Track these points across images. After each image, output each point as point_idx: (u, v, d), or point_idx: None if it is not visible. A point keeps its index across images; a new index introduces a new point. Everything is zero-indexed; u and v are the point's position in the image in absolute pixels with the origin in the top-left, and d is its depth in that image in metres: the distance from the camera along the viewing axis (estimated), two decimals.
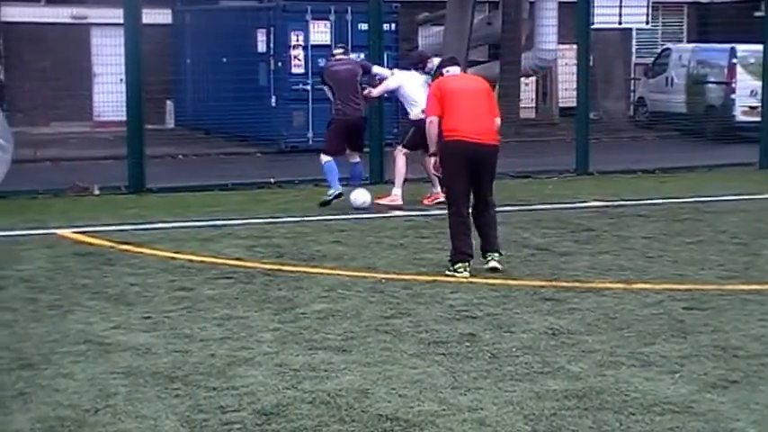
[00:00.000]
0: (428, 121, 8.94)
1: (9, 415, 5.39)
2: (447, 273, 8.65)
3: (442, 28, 24.05)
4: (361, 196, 12.09)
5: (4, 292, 8.12)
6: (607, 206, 12.58)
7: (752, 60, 20.34)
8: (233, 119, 18.99)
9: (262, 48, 20.31)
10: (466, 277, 8.52)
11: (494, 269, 8.73)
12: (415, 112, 12.21)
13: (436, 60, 11.83)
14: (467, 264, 8.66)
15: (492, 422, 5.28)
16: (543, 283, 8.36)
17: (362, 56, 15.09)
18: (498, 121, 9.04)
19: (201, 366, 6.18)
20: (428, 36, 24.89)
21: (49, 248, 9.88)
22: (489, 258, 8.84)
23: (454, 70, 9.32)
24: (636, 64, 27.87)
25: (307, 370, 6.10)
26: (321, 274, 8.78)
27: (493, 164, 8.90)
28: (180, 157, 18.47)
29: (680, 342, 6.69)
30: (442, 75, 9.34)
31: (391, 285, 8.31)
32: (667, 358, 6.32)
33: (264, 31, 20.24)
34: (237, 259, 9.34)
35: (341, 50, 12.82)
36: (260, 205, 12.43)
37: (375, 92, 12.72)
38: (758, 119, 16.95)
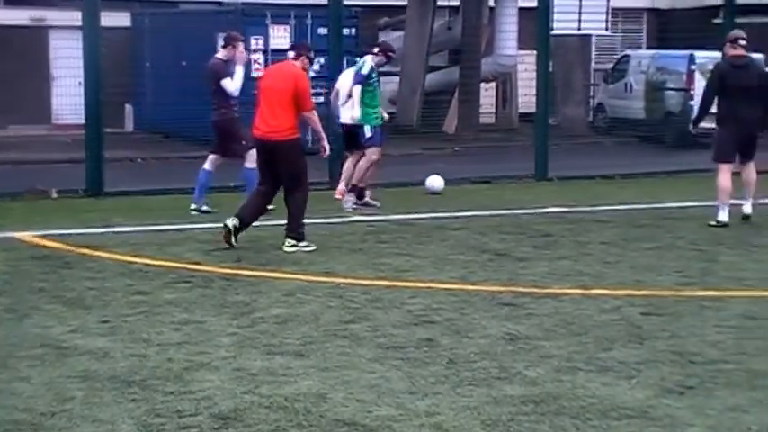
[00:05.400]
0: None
1: None
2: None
3: (402, 33, 24.13)
4: None
5: None
6: (565, 211, 12.65)
7: (710, 67, 20.46)
8: (193, 122, 18.87)
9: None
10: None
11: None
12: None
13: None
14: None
15: (449, 427, 5.28)
16: (501, 289, 8.40)
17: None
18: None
19: (159, 371, 6.15)
20: (388, 41, 24.90)
21: (7, 252, 9.79)
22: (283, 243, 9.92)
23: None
24: (595, 70, 28.08)
25: (264, 374, 6.08)
26: (280, 278, 8.76)
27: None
28: (139, 160, 18.38)
29: (637, 347, 6.73)
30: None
31: (350, 290, 8.31)
32: (624, 364, 6.36)
33: (224, 35, 20.12)
34: (196, 263, 9.30)
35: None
36: (219, 209, 12.37)
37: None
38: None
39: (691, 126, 12.82)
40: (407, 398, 5.70)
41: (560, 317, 7.49)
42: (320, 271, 9.05)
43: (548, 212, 12.62)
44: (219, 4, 22.88)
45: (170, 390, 5.79)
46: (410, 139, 21.64)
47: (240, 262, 9.39)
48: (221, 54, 12.25)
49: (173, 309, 7.65)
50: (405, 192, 14.17)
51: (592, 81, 27.55)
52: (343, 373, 6.11)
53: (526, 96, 22.58)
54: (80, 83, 14.46)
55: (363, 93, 12.81)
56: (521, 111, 25.22)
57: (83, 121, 14.06)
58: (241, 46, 12.22)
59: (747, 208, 11.97)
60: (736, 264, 9.51)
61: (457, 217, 12.11)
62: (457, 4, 24.50)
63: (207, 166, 12.42)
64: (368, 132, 12.89)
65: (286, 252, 9.86)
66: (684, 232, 11.13)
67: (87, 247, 10.00)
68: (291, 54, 10.45)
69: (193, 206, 12.27)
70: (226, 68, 12.06)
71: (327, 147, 10.55)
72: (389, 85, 23.29)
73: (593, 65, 28.23)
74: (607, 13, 17.50)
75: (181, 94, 19.98)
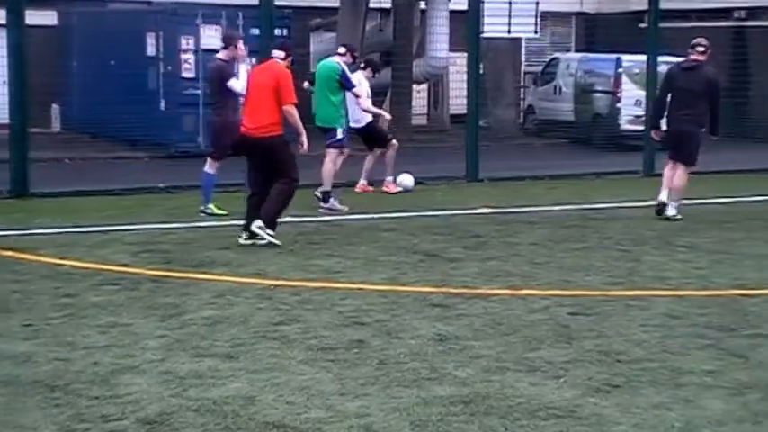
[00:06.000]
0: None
1: None
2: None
3: (334, 34, 24.08)
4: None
5: None
6: (496, 213, 12.73)
7: (637, 71, 20.83)
8: (121, 123, 18.69)
9: (151, 51, 20.03)
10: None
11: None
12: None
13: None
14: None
15: (379, 428, 5.28)
16: (432, 289, 8.42)
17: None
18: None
19: (84, 374, 6.05)
20: (320, 42, 24.89)
21: None
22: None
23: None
24: (525, 72, 28.31)
25: (193, 377, 6.02)
26: (209, 280, 8.69)
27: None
28: (66, 161, 18.11)
29: (565, 347, 6.79)
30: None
31: (280, 292, 8.27)
32: (552, 363, 6.41)
33: (154, 34, 19.97)
34: (124, 265, 9.18)
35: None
36: (148, 211, 12.25)
37: None
38: (642, 128, 17.33)
39: (651, 133, 12.92)
40: (337, 399, 5.68)
41: (490, 317, 7.53)
42: (250, 272, 8.99)
43: (478, 213, 12.69)
44: (149, 3, 22.63)
45: (95, 394, 5.70)
46: None
47: (170, 263, 9.29)
48: (222, 55, 11.93)
49: (99, 311, 7.54)
50: (336, 192, 14.14)
51: (522, 83, 27.77)
52: (272, 376, 6.08)
53: (457, 98, 22.65)
54: (4, 82, 14.22)
55: (339, 95, 12.86)
56: (452, 112, 25.31)
57: (7, 121, 13.81)
58: (241, 44, 11.97)
59: (670, 210, 12.12)
60: (660, 264, 9.65)
61: (388, 218, 12.12)
62: (389, 6, 24.52)
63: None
64: (340, 134, 12.88)
65: (252, 231, 9.94)
66: (612, 233, 11.26)
67: (11, 248, 9.82)
68: (281, 54, 10.29)
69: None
70: (229, 69, 11.75)
71: (305, 142, 10.34)
72: None
73: (523, 67, 28.46)
74: (536, 16, 17.68)
75: (109, 93, 19.77)
